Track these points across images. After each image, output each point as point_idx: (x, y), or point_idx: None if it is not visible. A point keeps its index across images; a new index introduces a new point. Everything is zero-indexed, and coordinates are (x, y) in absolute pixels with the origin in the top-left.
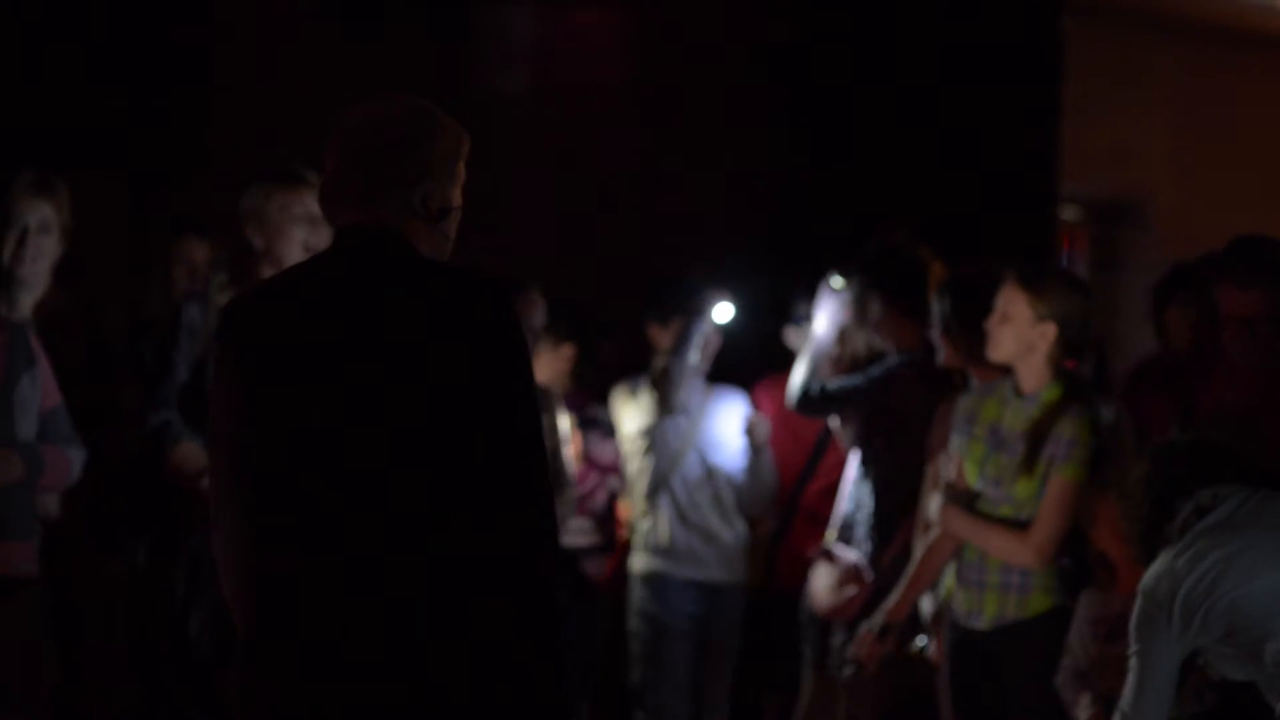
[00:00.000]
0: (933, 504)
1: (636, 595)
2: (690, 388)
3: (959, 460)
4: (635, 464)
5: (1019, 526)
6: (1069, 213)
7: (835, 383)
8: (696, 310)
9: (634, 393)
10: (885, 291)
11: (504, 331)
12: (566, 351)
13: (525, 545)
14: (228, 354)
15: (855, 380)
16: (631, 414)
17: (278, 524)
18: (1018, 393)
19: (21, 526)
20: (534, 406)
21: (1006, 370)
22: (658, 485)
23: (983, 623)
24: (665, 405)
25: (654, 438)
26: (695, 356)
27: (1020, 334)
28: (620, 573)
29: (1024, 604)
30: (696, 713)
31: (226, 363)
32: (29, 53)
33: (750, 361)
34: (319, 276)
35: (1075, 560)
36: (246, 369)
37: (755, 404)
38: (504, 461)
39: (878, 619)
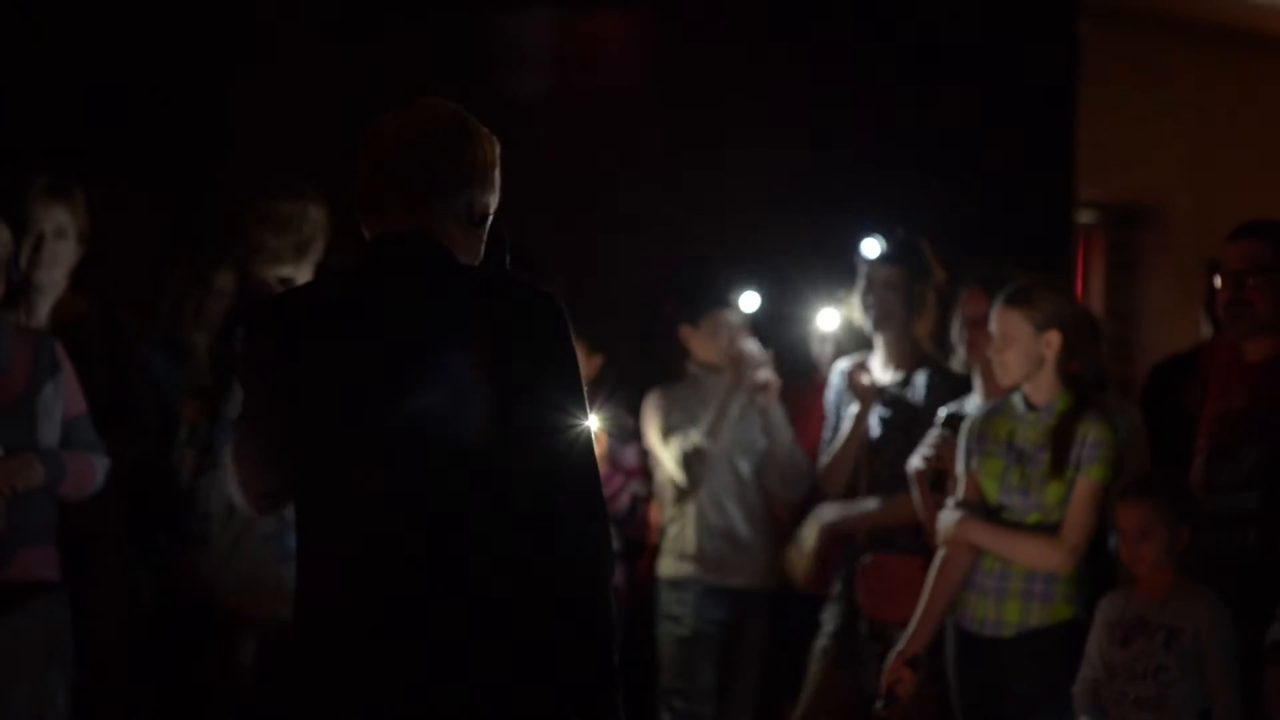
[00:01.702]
0: (943, 521)
1: (664, 600)
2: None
3: (972, 478)
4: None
5: (1047, 531)
6: (1084, 216)
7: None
8: (727, 310)
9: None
10: (903, 288)
11: (558, 339)
12: (595, 361)
13: (574, 553)
14: (266, 358)
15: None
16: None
17: (319, 530)
18: (1030, 407)
19: (42, 532)
20: (584, 411)
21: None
22: (686, 491)
23: (1005, 630)
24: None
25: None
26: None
27: (1027, 352)
28: (649, 576)
29: (1047, 611)
30: (723, 712)
31: (264, 366)
32: (46, 60)
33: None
34: (368, 284)
35: (1093, 566)
36: (286, 373)
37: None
38: (555, 470)
39: (902, 648)
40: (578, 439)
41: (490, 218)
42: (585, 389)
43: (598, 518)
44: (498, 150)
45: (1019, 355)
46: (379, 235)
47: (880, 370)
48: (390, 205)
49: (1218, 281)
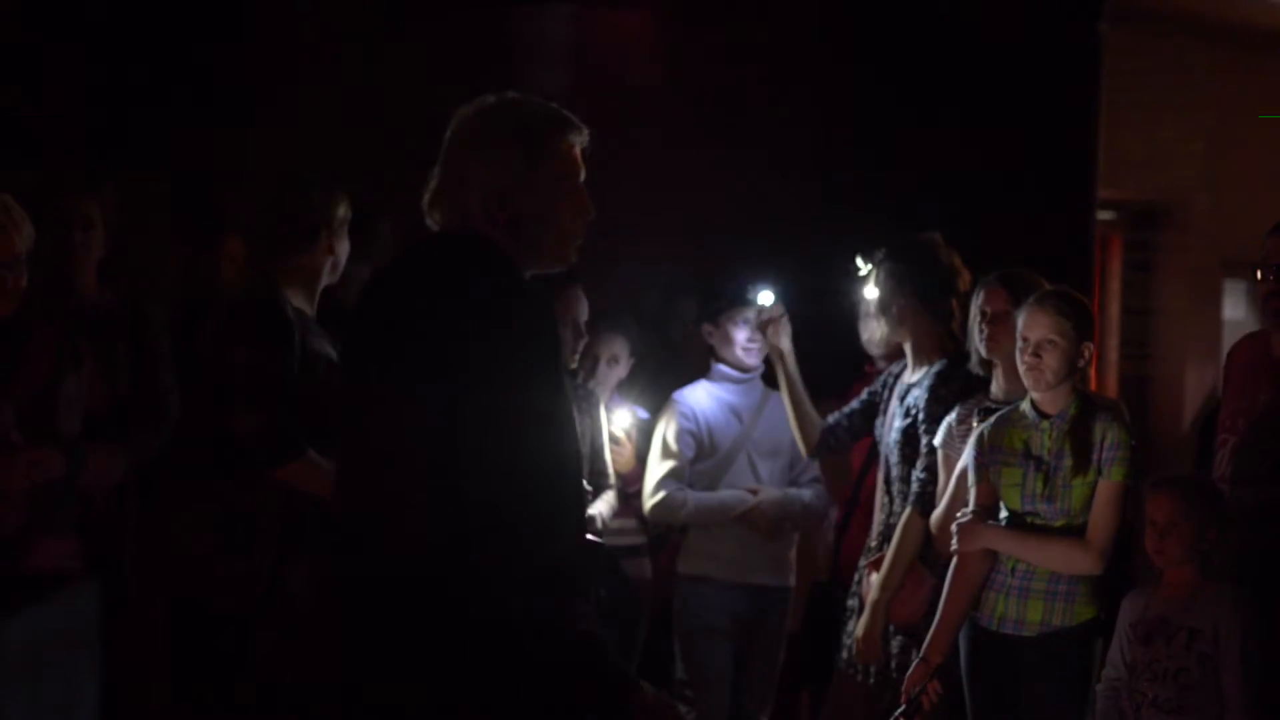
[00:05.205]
0: (961, 528)
1: (681, 594)
2: (743, 391)
3: (986, 485)
4: None
5: (1072, 535)
6: (1102, 215)
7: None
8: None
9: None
10: (916, 287)
11: (521, 335)
12: (630, 365)
13: (494, 560)
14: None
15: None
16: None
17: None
18: (1041, 415)
19: (63, 522)
20: (547, 404)
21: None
22: (707, 488)
23: (1026, 630)
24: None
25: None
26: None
27: (1070, 358)
28: (670, 570)
29: (1070, 612)
30: (740, 705)
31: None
32: (74, 53)
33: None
34: (387, 276)
35: (1113, 568)
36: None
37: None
38: (486, 467)
39: (924, 655)
40: (531, 433)
41: (532, 221)
42: (541, 372)
43: (518, 518)
44: (578, 147)
45: (1063, 361)
46: (435, 232)
47: (909, 374)
48: (434, 200)
49: (1259, 274)
